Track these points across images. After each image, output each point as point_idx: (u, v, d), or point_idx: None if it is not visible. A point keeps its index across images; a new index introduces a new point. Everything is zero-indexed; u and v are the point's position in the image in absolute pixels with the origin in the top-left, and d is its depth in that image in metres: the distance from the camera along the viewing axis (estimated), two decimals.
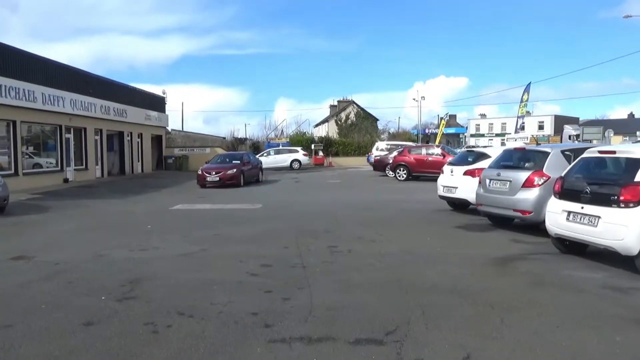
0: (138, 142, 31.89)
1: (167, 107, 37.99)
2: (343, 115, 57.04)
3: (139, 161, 31.86)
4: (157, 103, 35.69)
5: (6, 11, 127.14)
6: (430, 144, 39.08)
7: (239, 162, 21.27)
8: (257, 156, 34.66)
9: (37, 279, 6.20)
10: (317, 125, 68.15)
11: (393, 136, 50.29)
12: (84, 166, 25.16)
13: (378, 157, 27.79)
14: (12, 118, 19.44)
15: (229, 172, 19.90)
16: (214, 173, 19.73)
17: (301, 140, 40.77)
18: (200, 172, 20.25)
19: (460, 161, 12.54)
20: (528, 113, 40.95)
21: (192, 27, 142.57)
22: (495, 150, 12.02)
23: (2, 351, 3.97)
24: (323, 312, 4.80)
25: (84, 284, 6.00)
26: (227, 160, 21.93)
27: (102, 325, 4.55)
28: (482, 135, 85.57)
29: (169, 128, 40.12)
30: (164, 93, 38.39)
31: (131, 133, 30.71)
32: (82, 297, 5.46)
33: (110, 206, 14.20)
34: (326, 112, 71.34)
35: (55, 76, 22.34)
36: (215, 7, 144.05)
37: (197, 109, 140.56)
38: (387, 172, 24.94)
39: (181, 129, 50.07)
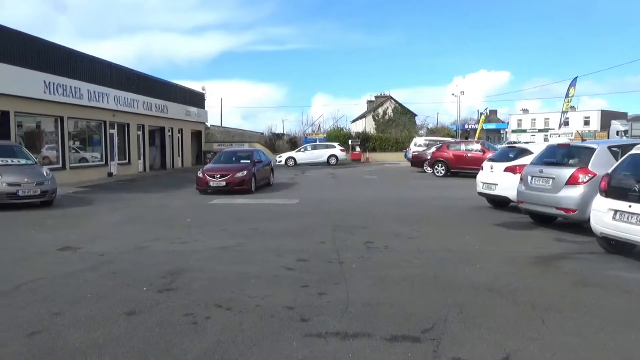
0: (178, 137, 32.62)
1: (206, 103, 38.75)
2: (380, 110, 56.66)
3: (179, 156, 32.58)
4: (196, 99, 36.38)
5: (56, 12, 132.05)
6: (469, 139, 38.36)
7: (248, 161, 16.83)
8: (294, 151, 35.15)
9: (82, 269, 6.44)
10: (354, 121, 67.95)
11: (431, 132, 49.60)
12: (127, 160, 25.92)
13: (416, 153, 27.49)
14: (59, 114, 20.22)
15: (238, 174, 15.51)
16: (218, 176, 15.36)
17: (338, 135, 40.73)
18: (200, 175, 15.70)
19: (501, 157, 12.25)
20: (573, 108, 39.60)
21: (231, 24, 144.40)
22: (537, 146, 11.70)
23: (51, 338, 4.14)
24: (359, 308, 4.79)
25: (126, 274, 6.19)
26: (234, 159, 17.59)
27: (143, 315, 4.68)
28: (524, 131, 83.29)
29: (208, 123, 40.81)
30: (203, 89, 39.16)
31: (172, 128, 31.43)
32: (125, 287, 5.63)
33: (151, 200, 14.59)
34: (363, 108, 71.11)
35: (100, 73, 23.07)
36: (254, 4, 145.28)
37: (236, 104, 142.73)
38: (425, 168, 24.64)
39: (220, 125, 50.85)
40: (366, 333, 4.17)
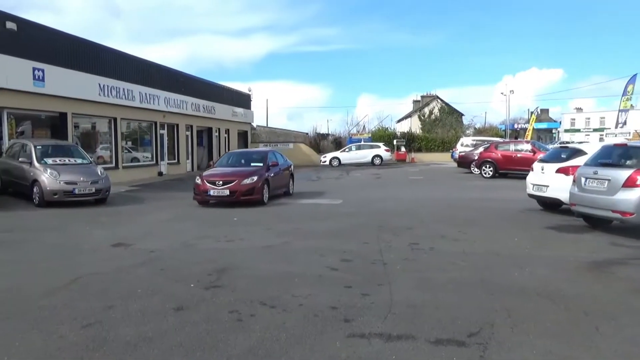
0: (225, 138, 33.29)
1: (252, 103, 39.32)
2: (426, 110, 55.84)
3: None
4: (243, 100, 36.99)
5: (111, 17, 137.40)
6: (519, 139, 37.25)
7: (261, 164, 13.83)
8: (339, 152, 35.11)
9: (134, 265, 6.67)
10: (399, 121, 67.34)
11: (479, 131, 48.42)
12: (176, 160, 26.66)
13: (463, 153, 26.93)
14: (113, 115, 21.03)
15: (247, 181, 12.53)
16: (220, 183, 12.43)
17: (383, 135, 40.43)
18: (199, 181, 12.81)
19: (553, 158, 11.82)
20: (632, 106, 37.76)
21: (277, 26, 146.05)
22: (592, 147, 11.21)
23: (104, 330, 4.31)
24: (403, 310, 4.74)
25: (175, 271, 6.37)
26: (243, 161, 14.48)
27: (191, 310, 4.80)
28: (578, 131, 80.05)
29: (254, 124, 41.44)
30: (249, 90, 39.77)
31: (219, 129, 32.10)
32: (173, 283, 5.79)
33: None
34: (409, 108, 70.36)
35: (151, 76, 23.83)
36: (300, 5, 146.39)
37: (281, 105, 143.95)
38: (472, 168, 24.11)
39: (266, 125, 51.51)
40: (410, 335, 4.12)
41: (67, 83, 17.68)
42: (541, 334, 4.13)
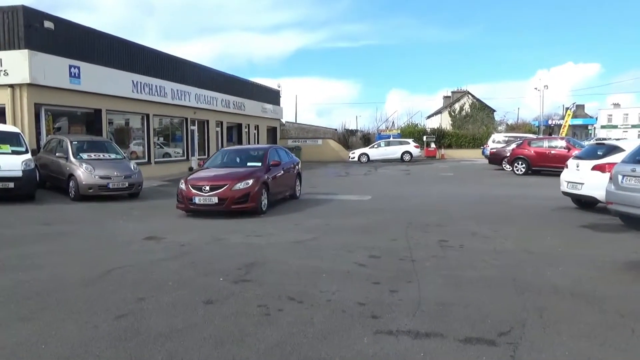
0: (255, 134, 33.56)
1: (281, 99, 39.48)
2: (457, 106, 55.09)
3: None
4: (272, 96, 37.19)
5: (144, 15, 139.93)
6: (553, 136, 36.37)
7: (258, 165, 11.63)
8: (368, 148, 34.94)
9: (165, 258, 6.80)
10: (429, 117, 66.62)
11: (511, 128, 47.52)
12: (206, 156, 26.96)
13: (494, 150, 26.45)
14: (146, 112, 21.46)
15: (239, 186, 10.35)
16: (207, 188, 10.29)
17: (412, 131, 40.10)
18: (182, 186, 10.64)
19: (588, 155, 11.50)
20: None
21: (307, 22, 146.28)
22: (630, 143, 10.85)
23: (136, 321, 4.41)
24: (432, 307, 4.69)
25: (204, 265, 6.47)
26: (239, 160, 12.27)
27: (220, 304, 4.86)
28: (615, 127, 77.65)
29: (283, 120, 41.62)
30: (279, 86, 39.94)
31: (248, 125, 32.38)
32: (203, 277, 5.88)
33: None
34: (439, 104, 69.57)
35: (182, 73, 24.20)
36: (330, 1, 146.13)
37: (310, 101, 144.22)
38: (503, 165, 23.66)
39: (295, 121, 51.70)
40: (439, 333, 4.08)
41: (101, 80, 18.12)
42: (574, 335, 4.03)
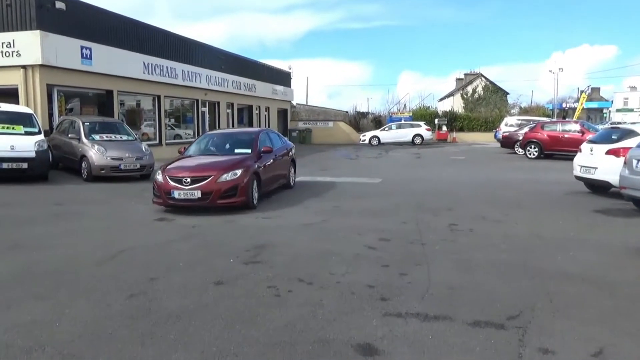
0: (265, 116, 33.51)
1: (292, 81, 39.29)
2: (470, 88, 54.40)
3: None
4: (283, 78, 37.01)
5: None
6: (567, 119, 35.90)
7: (248, 151, 10.15)
8: (379, 130, 34.80)
9: (176, 239, 6.86)
10: (441, 100, 65.96)
11: (525, 111, 46.87)
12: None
13: (507, 133, 26.16)
14: (157, 93, 21.48)
15: (225, 177, 8.92)
16: (188, 180, 8.84)
17: (424, 114, 39.72)
18: (160, 178, 9.16)
19: (603, 139, 11.34)
20: None
21: (319, 2, 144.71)
22: None
23: (147, 300, 4.48)
24: (441, 291, 4.70)
25: (215, 246, 6.52)
26: (227, 146, 10.73)
27: (230, 285, 4.91)
28: (631, 110, 76.22)
29: (294, 102, 41.47)
30: (289, 68, 39.70)
31: (259, 107, 32.33)
32: (213, 258, 5.93)
33: None
34: (452, 86, 68.77)
35: (193, 54, 24.13)
36: None
37: (322, 83, 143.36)
38: (516, 149, 23.44)
39: (305, 103, 51.50)
40: (447, 316, 4.09)
41: (113, 61, 18.14)
42: (584, 320, 4.02)
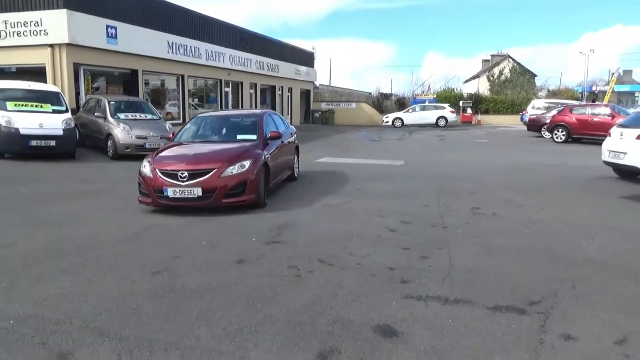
0: (288, 96, 33.44)
1: (315, 62, 39.03)
2: (496, 70, 53.26)
3: (288, 114, 33.43)
4: (306, 58, 36.78)
5: None
6: (597, 102, 34.96)
7: (253, 137, 8.53)
8: (402, 112, 34.43)
9: (198, 220, 6.95)
10: (466, 81, 64.81)
11: (553, 94, 45.76)
12: None
13: (533, 116, 25.61)
14: (181, 73, 21.59)
15: (231, 170, 7.35)
16: (184, 175, 7.17)
17: (449, 96, 39.11)
18: (146, 171, 7.47)
19: (634, 123, 11.01)
20: None
21: None
22: None
23: (171, 278, 4.57)
24: (462, 274, 4.68)
25: (237, 226, 6.59)
26: (224, 131, 9.12)
27: (252, 264, 4.97)
28: None
29: (317, 83, 41.24)
30: (313, 49, 39.41)
31: (282, 87, 32.25)
32: (236, 237, 6.00)
33: None
34: (477, 68, 67.48)
35: (216, 34, 24.10)
36: None
37: (345, 64, 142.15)
38: (542, 132, 22.97)
39: (328, 84, 51.18)
40: (468, 300, 4.07)
41: (138, 40, 18.25)
42: (608, 307, 3.96)
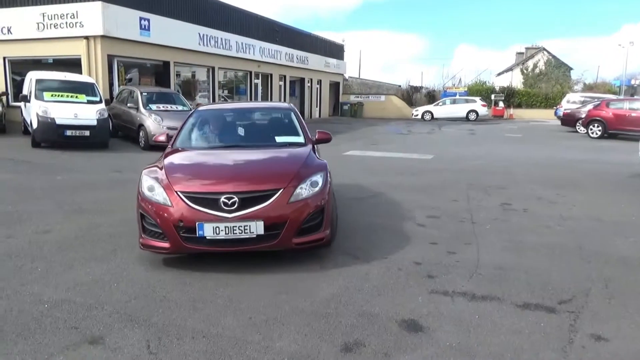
0: (317, 89, 33.43)
1: (345, 54, 38.85)
2: (530, 63, 51.97)
3: (317, 107, 33.48)
4: (336, 50, 36.67)
5: None
6: (635, 97, 33.77)
7: (299, 141, 5.96)
8: (432, 105, 33.93)
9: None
10: (499, 74, 63.54)
11: (589, 87, 44.44)
12: None
13: (568, 111, 24.94)
14: (211, 65, 21.82)
15: (303, 189, 4.68)
16: (235, 200, 4.40)
17: (480, 89, 38.44)
18: (160, 197, 4.57)
19: None
20: None
21: None
22: None
23: (198, 266, 4.64)
24: (490, 271, 4.61)
25: None
26: (251, 132, 6.43)
27: (278, 255, 4.97)
28: None
29: (346, 75, 41.09)
30: (343, 41, 39.24)
31: (311, 79, 32.25)
32: None
33: None
34: (511, 60, 66.02)
35: (247, 25, 24.25)
36: None
37: (375, 56, 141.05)
38: (577, 127, 22.37)
39: (358, 76, 50.89)
40: (495, 297, 4.01)
41: (170, 32, 18.52)
42: None
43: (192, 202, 4.46)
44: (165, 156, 5.40)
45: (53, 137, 12.57)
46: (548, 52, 55.38)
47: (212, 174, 5.04)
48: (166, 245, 4.52)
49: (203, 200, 4.46)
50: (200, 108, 7.11)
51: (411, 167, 11.52)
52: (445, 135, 21.44)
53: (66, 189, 8.29)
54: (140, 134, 13.84)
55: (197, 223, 4.37)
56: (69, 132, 12.50)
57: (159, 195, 4.60)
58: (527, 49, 59.90)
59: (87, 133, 12.70)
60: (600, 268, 4.73)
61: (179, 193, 4.52)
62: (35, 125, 12.46)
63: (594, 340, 3.33)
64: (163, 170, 4.91)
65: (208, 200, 4.46)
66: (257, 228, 4.41)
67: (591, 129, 20.41)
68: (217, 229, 4.36)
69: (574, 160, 13.02)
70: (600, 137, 19.85)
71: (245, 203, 4.44)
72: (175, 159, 5.36)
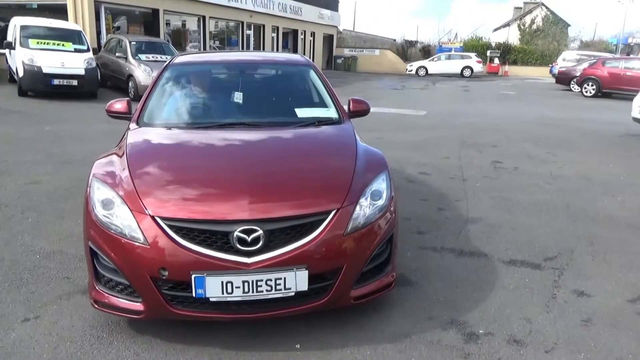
0: (310, 41, 32.78)
1: (339, 5, 37.90)
2: (528, 19, 51.07)
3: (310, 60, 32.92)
4: (330, 1, 35.73)
5: None
6: (632, 56, 33.51)
7: (335, 117, 4.01)
8: (427, 60, 33.47)
9: None
10: (495, 30, 62.51)
11: (585, 45, 44.02)
12: None
13: (563, 69, 24.76)
14: (202, 13, 21.22)
15: (361, 209, 2.80)
16: (259, 233, 2.49)
17: (476, 45, 37.93)
18: (122, 220, 2.59)
19: None
20: None
21: None
22: None
23: None
24: (478, 228, 4.68)
25: None
26: (256, 100, 4.12)
27: None
28: None
29: (341, 28, 40.22)
30: None
31: (305, 31, 31.56)
32: None
33: None
34: (509, 15, 64.85)
35: None
36: None
37: (370, 8, 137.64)
38: (571, 86, 22.28)
39: (352, 29, 49.85)
40: (483, 253, 4.09)
41: None
42: (624, 265, 3.94)
43: (182, 236, 2.54)
44: (128, 141, 3.33)
45: (40, 86, 12.29)
46: (547, 8, 54.35)
47: (212, 181, 2.91)
48: (138, 307, 2.65)
49: (201, 234, 2.55)
50: (180, 59, 4.84)
51: (404, 124, 11.46)
52: (439, 92, 21.28)
53: (55, 140, 8.19)
54: (130, 84, 13.58)
55: (192, 275, 2.48)
56: (56, 82, 12.22)
57: (122, 219, 2.62)
58: (525, 3, 58.71)
59: (75, 82, 12.43)
60: (586, 226, 4.81)
61: (157, 220, 2.57)
62: (21, 74, 12.15)
63: (576, 296, 3.43)
64: (126, 170, 2.87)
65: (210, 234, 2.55)
66: (298, 281, 2.56)
67: (585, 88, 20.33)
68: (230, 285, 2.49)
69: (567, 118, 13.01)
70: (594, 96, 19.80)
71: (274, 238, 2.57)
72: (145, 147, 3.37)
